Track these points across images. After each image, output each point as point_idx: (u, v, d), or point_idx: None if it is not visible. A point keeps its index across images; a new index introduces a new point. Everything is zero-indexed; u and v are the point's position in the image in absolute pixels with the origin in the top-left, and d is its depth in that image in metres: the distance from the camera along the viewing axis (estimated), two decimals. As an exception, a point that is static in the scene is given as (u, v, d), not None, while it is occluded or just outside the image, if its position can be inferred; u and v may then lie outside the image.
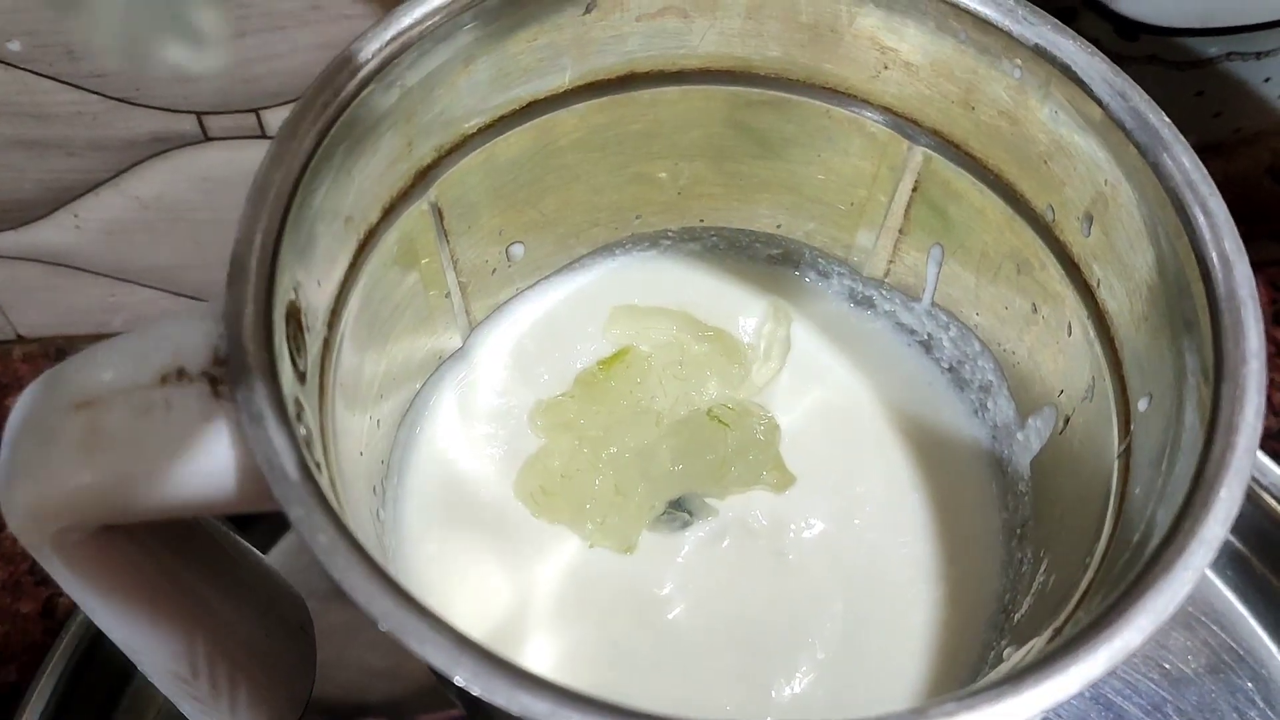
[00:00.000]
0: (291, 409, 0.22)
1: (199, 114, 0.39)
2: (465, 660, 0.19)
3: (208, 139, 0.40)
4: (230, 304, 0.23)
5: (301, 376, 0.25)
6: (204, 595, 0.28)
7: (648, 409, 0.33)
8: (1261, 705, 0.41)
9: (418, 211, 0.30)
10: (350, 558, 0.20)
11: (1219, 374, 0.23)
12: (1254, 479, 0.41)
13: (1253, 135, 0.44)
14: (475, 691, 0.19)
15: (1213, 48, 0.40)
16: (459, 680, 0.19)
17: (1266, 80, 0.41)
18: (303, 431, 0.23)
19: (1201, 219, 0.24)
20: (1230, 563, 0.42)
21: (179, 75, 0.37)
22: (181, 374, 0.23)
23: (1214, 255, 0.24)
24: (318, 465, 0.23)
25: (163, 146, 0.40)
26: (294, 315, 0.25)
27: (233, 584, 0.29)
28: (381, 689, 0.41)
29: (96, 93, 0.38)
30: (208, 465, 0.22)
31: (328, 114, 0.25)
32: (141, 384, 0.23)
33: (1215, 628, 0.42)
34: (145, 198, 0.42)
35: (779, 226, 0.36)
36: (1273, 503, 0.42)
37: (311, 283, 0.26)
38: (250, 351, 0.22)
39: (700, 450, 0.33)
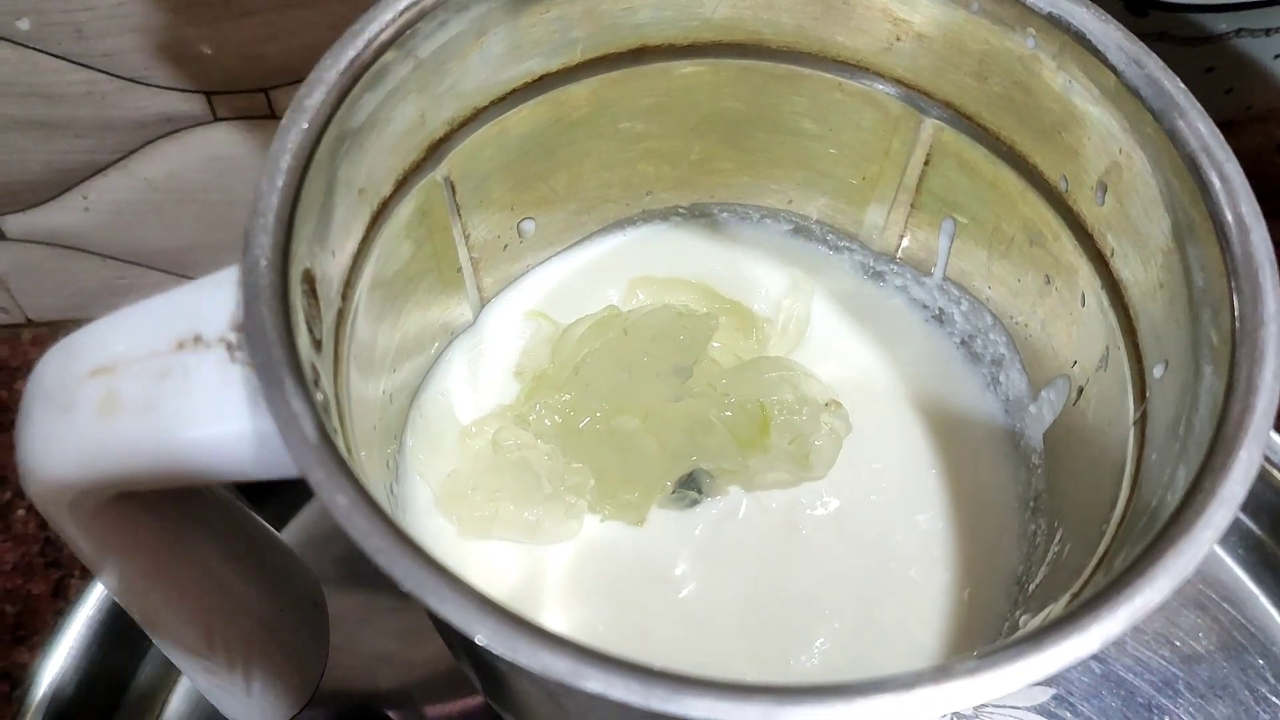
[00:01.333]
0: (309, 375, 0.22)
1: (208, 94, 0.39)
2: (487, 620, 0.19)
3: (217, 119, 0.40)
4: (246, 269, 0.23)
5: (317, 345, 0.25)
6: (220, 569, 0.28)
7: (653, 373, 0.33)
8: (1273, 682, 0.41)
9: (430, 184, 0.30)
10: (371, 519, 0.20)
11: (1236, 338, 0.23)
12: (1264, 455, 0.41)
13: (1264, 112, 0.44)
14: (497, 650, 0.19)
15: (1222, 23, 0.40)
16: (480, 639, 0.19)
17: (1277, 57, 0.41)
18: (319, 397, 0.23)
19: (1218, 183, 0.24)
20: (1241, 540, 0.42)
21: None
22: (198, 340, 0.23)
23: (1230, 219, 0.24)
24: (334, 431, 0.23)
25: (172, 127, 0.40)
26: (309, 283, 0.24)
27: (248, 559, 0.29)
28: (393, 675, 0.41)
29: (105, 72, 0.38)
30: (225, 430, 0.22)
31: (341, 84, 0.25)
32: (159, 350, 0.23)
33: (1226, 605, 0.42)
34: (154, 179, 0.42)
35: (790, 202, 0.36)
36: (1283, 480, 0.42)
37: (326, 252, 0.26)
38: (267, 317, 0.22)
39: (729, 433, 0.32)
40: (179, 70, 0.38)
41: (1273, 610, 0.42)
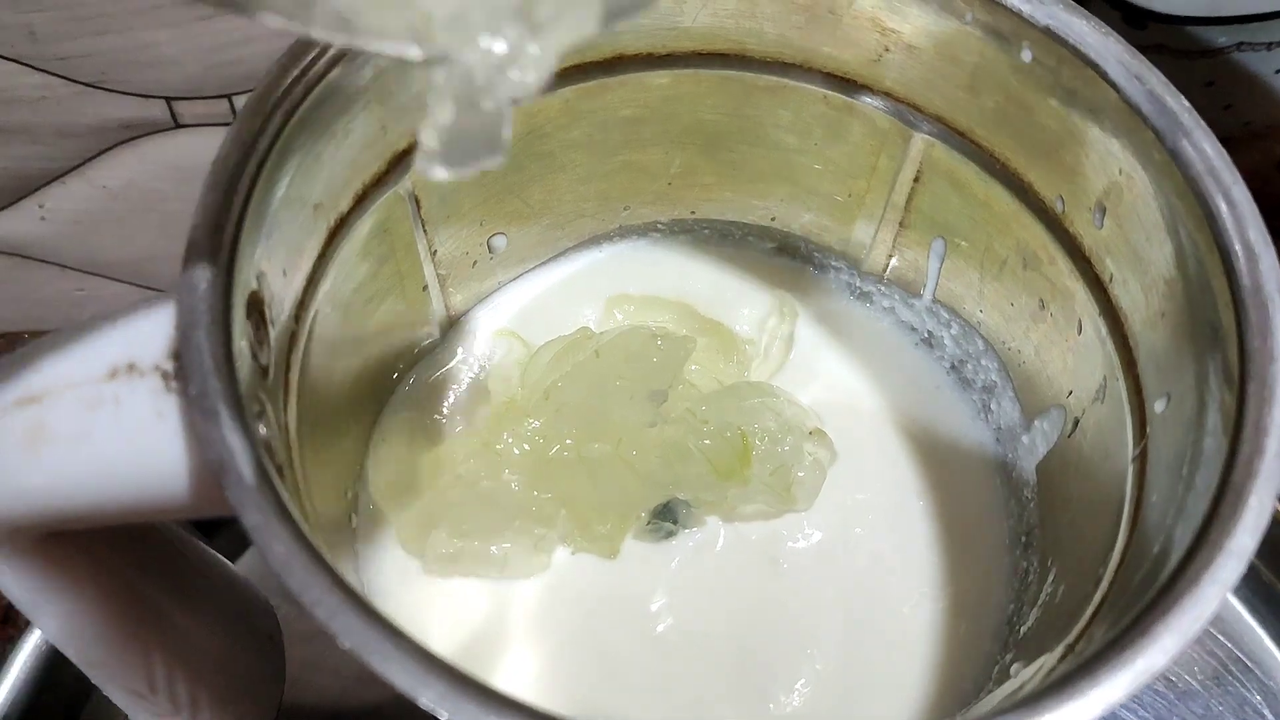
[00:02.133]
0: (250, 407, 0.21)
1: (169, 99, 0.38)
2: (432, 681, 0.18)
3: (178, 126, 0.39)
4: (184, 294, 0.21)
5: (264, 372, 0.23)
6: (162, 605, 0.27)
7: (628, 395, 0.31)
8: (1269, 718, 0.39)
9: (393, 199, 0.28)
10: (308, 569, 0.19)
11: (1245, 373, 0.22)
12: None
13: (1263, 129, 0.43)
14: (443, 715, 0.17)
15: (1222, 37, 0.38)
16: (425, 703, 0.18)
17: (1278, 72, 0.40)
18: (263, 431, 0.21)
19: (1224, 208, 0.23)
20: (1238, 572, 0.41)
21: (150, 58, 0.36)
22: (132, 368, 0.21)
23: (1238, 247, 0.22)
24: (279, 468, 0.22)
25: (131, 134, 0.39)
26: (256, 307, 0.23)
27: (194, 593, 0.28)
28: (359, 695, 0.39)
29: (61, 76, 0.36)
30: (159, 466, 0.21)
31: (294, 94, 0.24)
32: (90, 378, 0.21)
33: (1221, 637, 0.41)
34: (114, 187, 0.40)
35: (774, 219, 0.35)
36: (1281, 508, 0.40)
37: (276, 272, 0.24)
38: (205, 345, 0.21)
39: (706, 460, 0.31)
40: (139, 75, 0.37)
41: (1270, 644, 0.40)
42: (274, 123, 0.23)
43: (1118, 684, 0.18)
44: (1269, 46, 0.39)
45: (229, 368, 0.21)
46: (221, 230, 0.22)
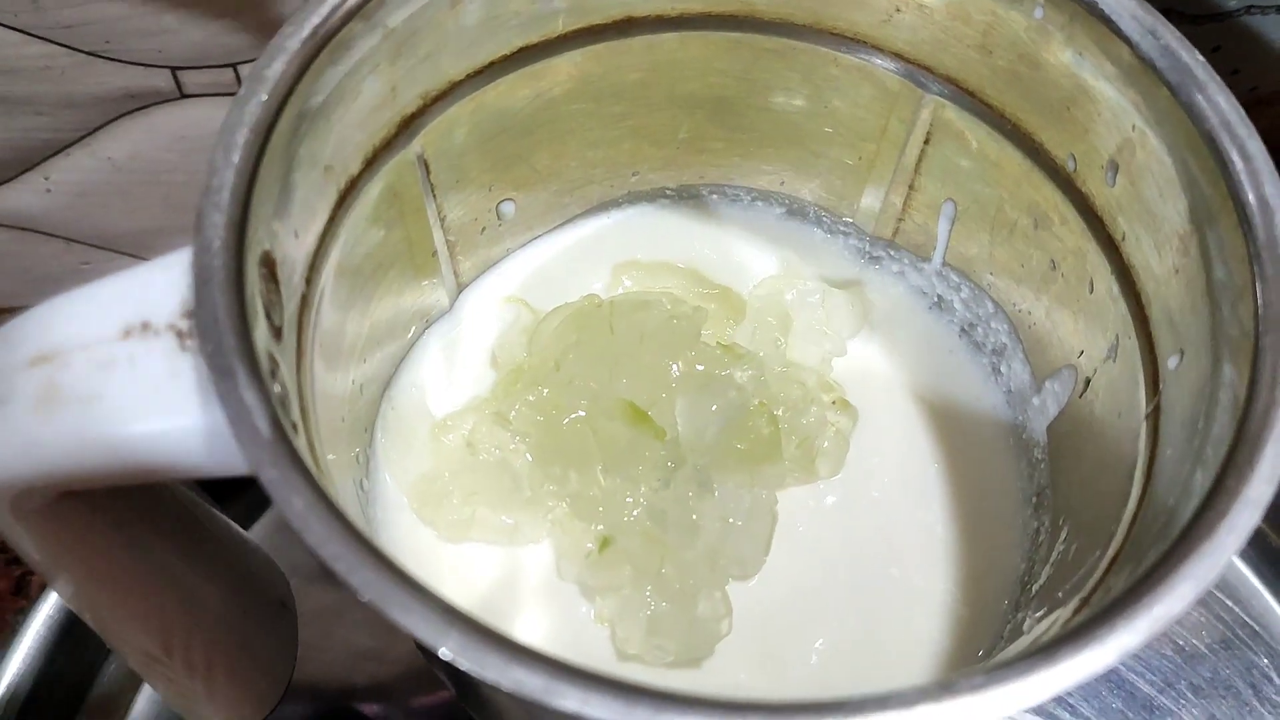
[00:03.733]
0: (265, 365, 0.21)
1: (174, 69, 0.37)
2: (453, 632, 0.18)
3: (183, 96, 0.38)
4: (198, 251, 0.21)
5: (277, 333, 0.23)
6: (176, 569, 0.27)
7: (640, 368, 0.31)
8: (1277, 681, 0.40)
9: (402, 162, 0.28)
10: (328, 523, 0.19)
11: (1260, 328, 0.21)
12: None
13: (1271, 95, 0.43)
14: (464, 665, 0.17)
15: (1232, 0, 0.38)
16: (446, 654, 0.18)
17: (1287, 35, 0.40)
18: (277, 390, 0.21)
19: (1239, 162, 0.23)
20: (1245, 535, 0.41)
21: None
22: (146, 327, 0.21)
23: (1253, 200, 0.22)
24: (294, 426, 0.22)
25: (136, 104, 0.38)
26: (269, 267, 0.23)
27: (207, 558, 0.28)
28: (368, 671, 0.39)
29: (65, 45, 0.36)
30: (174, 425, 0.21)
31: (304, 53, 0.24)
32: (104, 338, 0.21)
33: (1229, 601, 0.41)
34: (118, 159, 0.40)
35: (783, 183, 0.34)
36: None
37: (288, 234, 0.24)
38: (219, 302, 0.20)
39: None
40: (142, 43, 0.36)
41: (1277, 607, 0.41)
42: (283, 83, 0.23)
43: (1135, 630, 0.18)
44: (1278, 10, 0.39)
45: (244, 325, 0.20)
46: (234, 188, 0.22)
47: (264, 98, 0.23)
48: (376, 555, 0.18)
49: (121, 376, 0.21)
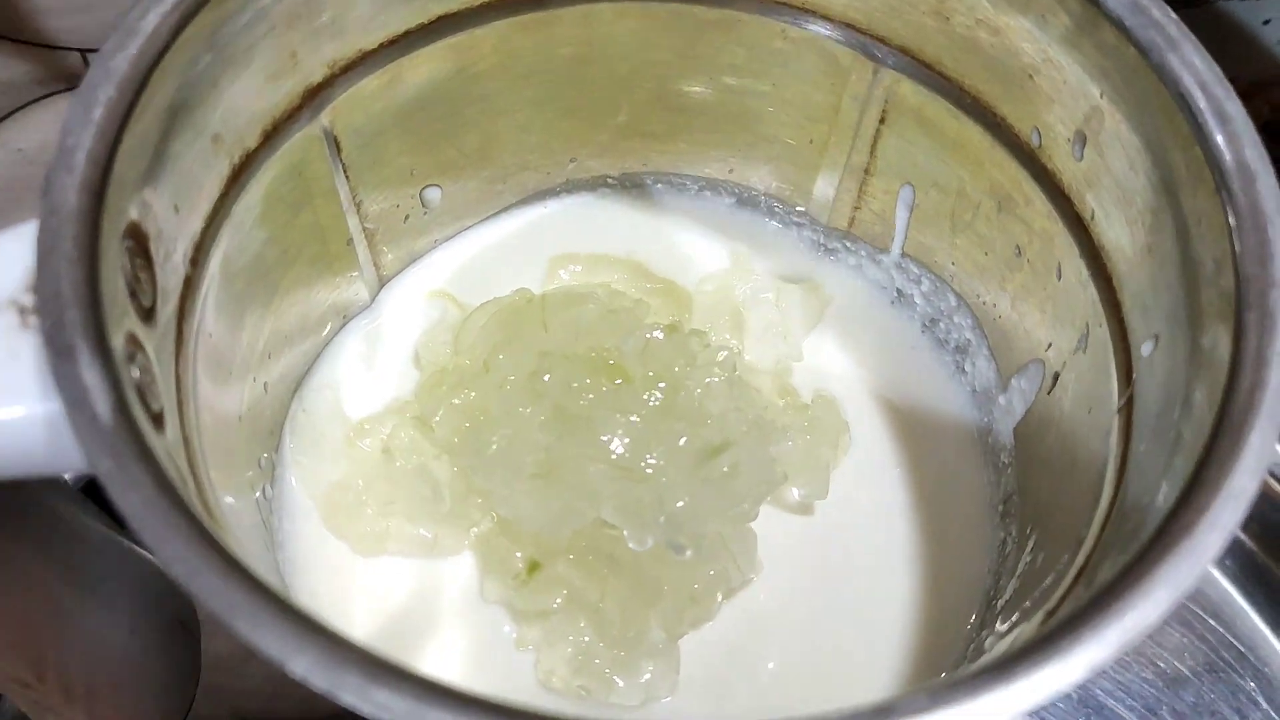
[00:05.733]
0: (120, 348, 0.18)
1: (84, 51, 0.35)
2: (307, 647, 0.15)
3: (96, 81, 0.36)
4: (45, 216, 0.19)
5: (147, 314, 0.20)
6: (46, 585, 0.24)
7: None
8: (1265, 706, 0.37)
9: (307, 138, 0.26)
10: (169, 521, 0.16)
11: (1241, 303, 0.19)
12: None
13: (1249, 87, 0.41)
14: (318, 685, 0.15)
15: (1209, -15, 0.36)
16: (297, 672, 0.15)
17: (1266, 23, 0.38)
18: (136, 375, 0.19)
19: (1215, 124, 0.21)
20: (1229, 552, 0.39)
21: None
22: (-15, 303, 0.19)
23: (1231, 164, 0.20)
24: (156, 419, 0.19)
25: (45, 90, 0.36)
26: (138, 240, 0.20)
27: (85, 574, 0.25)
28: (295, 699, 0.36)
29: (-35, 25, 0.34)
30: (10, 413, 0.18)
31: (184, 6, 0.21)
32: (-65, 314, 0.19)
33: (1214, 622, 0.39)
34: (29, 150, 0.38)
35: (731, 171, 0.32)
36: (1276, 485, 0.38)
37: (165, 207, 0.22)
38: (65, 272, 0.18)
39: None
40: (50, 23, 0.34)
41: (1263, 628, 0.38)
42: (158, 37, 0.21)
43: (1104, 643, 0.16)
44: (1256, -5, 0.37)
45: (93, 300, 0.18)
46: (93, 151, 0.19)
47: (133, 52, 0.20)
48: (224, 559, 0.16)
49: (-47, 357, 0.18)
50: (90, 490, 0.28)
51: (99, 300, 0.18)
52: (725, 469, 0.26)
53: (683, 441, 0.26)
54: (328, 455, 0.28)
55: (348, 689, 0.15)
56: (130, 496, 0.16)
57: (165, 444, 0.19)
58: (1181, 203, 0.21)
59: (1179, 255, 0.21)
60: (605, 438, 0.26)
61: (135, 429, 0.17)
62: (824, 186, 0.31)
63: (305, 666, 0.15)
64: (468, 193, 0.31)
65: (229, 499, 0.23)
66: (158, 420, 0.19)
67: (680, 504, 0.26)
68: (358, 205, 0.29)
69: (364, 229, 0.29)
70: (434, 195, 0.31)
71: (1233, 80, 0.41)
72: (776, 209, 0.33)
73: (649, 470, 0.26)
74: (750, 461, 0.26)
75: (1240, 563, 0.39)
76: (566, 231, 0.32)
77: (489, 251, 0.32)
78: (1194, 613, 0.39)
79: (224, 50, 0.22)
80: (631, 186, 0.33)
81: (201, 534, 0.16)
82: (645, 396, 0.27)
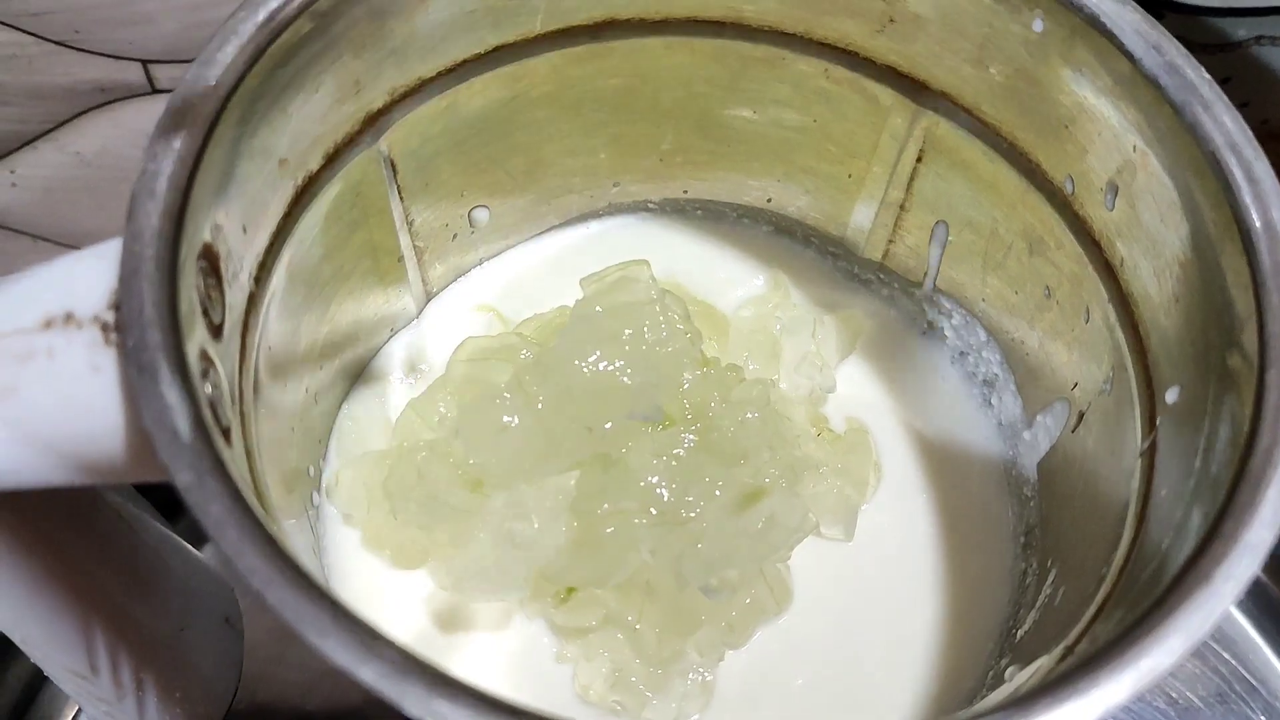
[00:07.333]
0: (195, 365, 0.19)
1: (145, 62, 0.36)
2: (373, 659, 0.16)
3: (155, 91, 0.37)
4: (129, 240, 0.20)
5: (216, 331, 0.22)
6: (104, 582, 0.25)
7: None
8: (1275, 739, 0.38)
9: (366, 161, 0.27)
10: (244, 534, 0.17)
11: (1264, 359, 0.20)
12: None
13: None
14: (384, 694, 0.16)
15: (1241, 29, 0.37)
16: (364, 680, 0.16)
17: (1298, 67, 0.39)
18: (209, 391, 0.20)
19: (1245, 185, 0.21)
20: (1243, 586, 0.39)
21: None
22: (70, 318, 0.20)
23: (1259, 224, 0.21)
24: (225, 432, 0.20)
25: (106, 98, 0.37)
26: (210, 261, 0.21)
27: (141, 572, 0.26)
28: (324, 693, 0.38)
29: (32, 34, 0.35)
30: (93, 424, 0.19)
31: (259, 38, 0.22)
32: (23, 327, 0.20)
33: (1225, 654, 0.39)
34: (87, 154, 0.39)
35: (770, 200, 0.33)
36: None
37: (235, 227, 0.23)
38: (147, 294, 0.19)
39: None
40: (114, 34, 0.35)
41: (1275, 662, 0.39)
42: (235, 68, 0.22)
43: (1120, 685, 0.17)
44: (1289, 41, 0.38)
45: (172, 320, 0.19)
46: (174, 176, 0.20)
47: (212, 82, 0.21)
48: (295, 571, 0.17)
49: (40, 369, 0.19)
50: (143, 487, 0.29)
51: (177, 319, 0.19)
52: (760, 524, 0.26)
53: (718, 491, 0.26)
54: (373, 469, 0.29)
55: (411, 699, 0.16)
56: (211, 509, 0.17)
57: (234, 457, 0.20)
58: (1208, 257, 0.22)
59: (1205, 308, 0.22)
60: (643, 483, 0.26)
61: (211, 443, 0.18)
62: (860, 219, 0.32)
63: (372, 677, 0.16)
64: (514, 213, 0.32)
65: (283, 507, 0.24)
66: (227, 434, 0.20)
67: (717, 554, 0.26)
68: (410, 224, 0.30)
69: (414, 246, 0.30)
70: (482, 215, 0.32)
71: (1264, 121, 0.42)
72: (812, 238, 0.34)
73: (688, 516, 0.26)
74: (785, 511, 0.26)
75: (1254, 596, 0.39)
76: (607, 252, 0.33)
77: (532, 269, 0.33)
78: (1206, 644, 0.39)
79: (294, 78, 0.24)
80: (672, 211, 0.34)
81: (272, 545, 0.17)
82: (682, 436, 0.27)
